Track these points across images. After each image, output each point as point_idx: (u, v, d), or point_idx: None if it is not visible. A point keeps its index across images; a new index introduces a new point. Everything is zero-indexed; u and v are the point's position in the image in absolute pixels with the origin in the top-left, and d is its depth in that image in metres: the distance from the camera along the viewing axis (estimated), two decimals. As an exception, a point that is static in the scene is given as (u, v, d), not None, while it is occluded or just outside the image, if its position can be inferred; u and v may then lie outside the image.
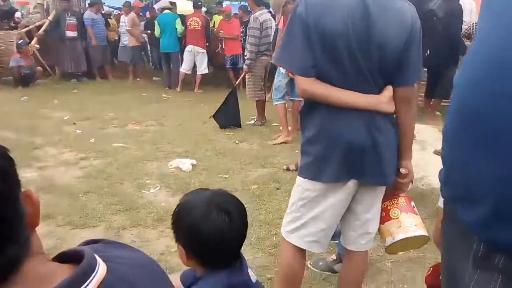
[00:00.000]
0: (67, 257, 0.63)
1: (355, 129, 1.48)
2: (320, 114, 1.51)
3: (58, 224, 2.81)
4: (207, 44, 8.57)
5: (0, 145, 0.58)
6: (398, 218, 1.60)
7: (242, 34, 8.42)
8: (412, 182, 3.03)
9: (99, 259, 0.62)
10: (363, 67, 1.43)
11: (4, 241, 0.53)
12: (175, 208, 1.24)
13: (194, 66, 8.48)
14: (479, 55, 0.81)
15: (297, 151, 4.51)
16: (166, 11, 8.66)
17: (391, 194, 1.65)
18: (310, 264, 2.40)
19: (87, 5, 9.93)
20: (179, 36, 8.43)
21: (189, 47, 8.23)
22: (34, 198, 0.61)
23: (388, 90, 1.49)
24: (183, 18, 8.49)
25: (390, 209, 1.63)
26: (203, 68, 8.41)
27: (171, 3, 9.07)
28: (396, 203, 1.63)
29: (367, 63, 1.42)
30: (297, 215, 1.64)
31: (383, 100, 1.48)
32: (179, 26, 8.29)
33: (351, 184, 1.54)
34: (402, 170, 1.59)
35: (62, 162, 4.09)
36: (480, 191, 0.80)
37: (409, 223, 1.59)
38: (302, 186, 1.61)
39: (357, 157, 1.49)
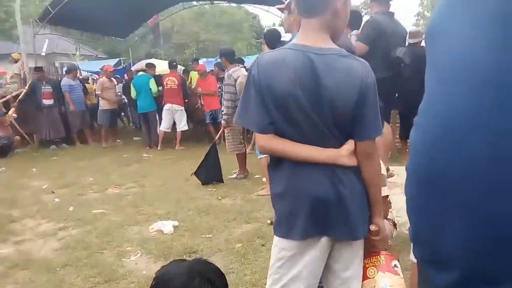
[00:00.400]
0: None
1: (318, 183, 1.48)
2: (285, 169, 1.52)
3: (34, 304, 2.67)
4: (186, 101, 8.77)
5: None
6: (374, 277, 1.56)
7: (219, 90, 8.63)
8: (396, 229, 3.02)
9: None
10: (319, 124, 1.45)
11: None
12: (152, 282, 1.19)
13: (174, 124, 8.57)
14: (430, 119, 0.83)
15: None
16: (140, 73, 8.93)
17: (372, 252, 1.61)
18: None
19: (64, 72, 10.09)
20: (154, 96, 8.60)
21: (167, 106, 8.39)
22: None
23: (349, 144, 1.50)
24: (160, 78, 8.70)
25: (368, 267, 1.58)
26: (182, 125, 8.53)
27: (148, 64, 9.31)
28: (375, 261, 1.58)
29: (322, 120, 1.45)
30: (276, 277, 1.59)
31: (343, 154, 1.48)
32: (153, 86, 8.52)
33: (324, 240, 1.51)
34: (372, 227, 1.55)
35: (40, 234, 3.95)
36: (448, 255, 0.79)
37: (384, 284, 1.54)
38: (277, 246, 1.58)
39: (322, 211, 1.48)
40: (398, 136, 6.01)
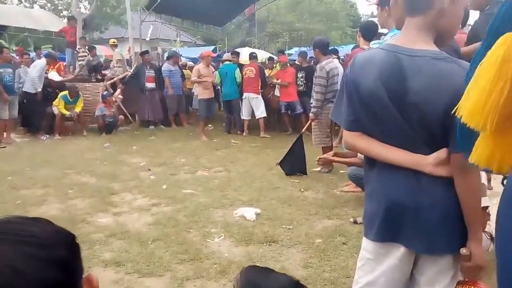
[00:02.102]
0: None
1: (398, 188, 1.42)
2: (375, 170, 1.50)
3: (127, 272, 2.92)
4: (262, 90, 8.99)
5: (67, 233, 0.62)
6: None
7: (303, 79, 8.74)
8: (493, 243, 2.77)
9: None
10: (405, 126, 1.38)
11: None
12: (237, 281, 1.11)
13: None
14: None
15: (365, 201, 4.34)
16: (227, 62, 9.22)
17: (466, 281, 1.44)
18: None
19: (165, 59, 10.76)
20: (238, 84, 8.92)
21: (244, 95, 8.72)
22: (94, 282, 0.64)
23: (440, 152, 1.37)
24: (242, 67, 9.02)
25: None
26: (260, 112, 8.75)
27: (233, 52, 9.64)
28: None
29: (409, 122, 1.37)
30: (356, 277, 1.59)
31: (429, 161, 1.37)
32: (238, 76, 8.80)
33: (403, 250, 1.44)
34: (462, 251, 1.39)
35: (136, 208, 4.31)
36: None
37: None
38: (363, 245, 1.59)
39: (396, 217, 1.42)
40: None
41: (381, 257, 1.49)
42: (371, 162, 1.52)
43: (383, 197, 1.46)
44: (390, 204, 1.43)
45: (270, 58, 11.22)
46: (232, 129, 9.20)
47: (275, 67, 10.18)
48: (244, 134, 8.78)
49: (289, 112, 9.02)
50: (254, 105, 8.72)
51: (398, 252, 1.46)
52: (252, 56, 9.20)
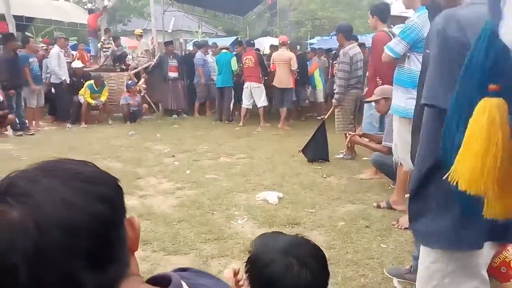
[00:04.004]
0: (157, 281, 0.69)
1: None
2: None
3: (154, 250, 3.01)
4: (266, 78, 8.91)
5: (112, 176, 0.66)
6: None
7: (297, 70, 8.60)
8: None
9: (184, 284, 0.68)
10: None
11: (107, 261, 0.59)
12: (250, 255, 1.18)
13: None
14: None
15: (389, 188, 4.32)
16: (224, 50, 9.22)
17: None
18: (385, 271, 2.67)
19: (187, 48, 10.83)
20: (234, 73, 8.94)
21: (246, 84, 8.66)
22: (135, 224, 0.68)
23: None
24: (240, 57, 8.98)
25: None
26: (261, 101, 8.66)
27: (239, 42, 9.68)
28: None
29: None
30: None
31: None
32: (234, 64, 8.83)
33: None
34: None
35: (161, 192, 4.40)
36: None
37: None
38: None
39: None
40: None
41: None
42: None
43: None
44: None
45: (272, 46, 11.01)
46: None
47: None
48: (240, 123, 8.66)
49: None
50: (255, 95, 8.61)
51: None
52: (250, 44, 9.18)
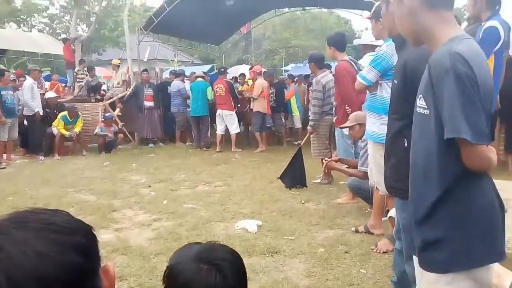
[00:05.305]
0: None
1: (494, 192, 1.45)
2: (486, 179, 1.44)
3: (130, 286, 2.91)
4: (239, 105, 9.19)
5: (86, 224, 0.65)
6: None
7: (273, 95, 9.06)
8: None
9: None
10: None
11: None
12: (165, 269, 1.16)
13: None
14: None
15: (366, 212, 4.36)
16: (199, 79, 9.29)
17: None
18: None
19: (163, 76, 10.85)
20: (210, 102, 9.06)
21: (218, 112, 8.87)
22: (110, 272, 0.66)
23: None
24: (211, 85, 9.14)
25: None
26: (234, 128, 8.93)
27: (221, 73, 9.56)
28: None
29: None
30: None
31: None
32: (209, 94, 8.97)
33: None
34: None
35: (137, 224, 4.30)
36: None
37: None
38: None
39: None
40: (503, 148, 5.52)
41: None
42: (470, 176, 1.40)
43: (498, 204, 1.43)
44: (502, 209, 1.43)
45: (241, 74, 11.32)
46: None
47: (247, 82, 10.25)
48: (217, 149, 8.77)
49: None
50: (227, 122, 8.86)
51: None
52: (220, 72, 9.37)
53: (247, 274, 2.98)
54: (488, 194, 1.40)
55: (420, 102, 1.45)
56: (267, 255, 3.36)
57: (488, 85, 1.35)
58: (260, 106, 8.68)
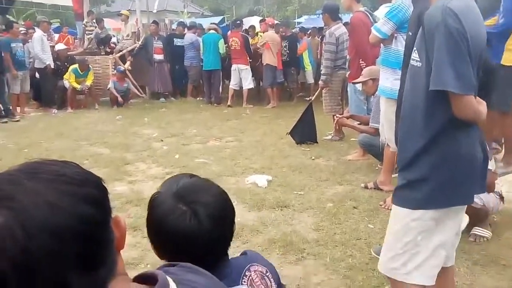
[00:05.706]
0: (144, 279, 0.70)
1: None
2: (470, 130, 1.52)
3: (144, 236, 3.01)
4: (250, 60, 8.89)
5: (96, 176, 0.65)
6: None
7: (286, 49, 8.88)
8: (503, 202, 2.81)
9: (171, 282, 0.68)
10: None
11: (96, 263, 0.59)
12: (151, 196, 1.12)
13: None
14: None
15: (376, 168, 4.37)
16: (211, 31, 9.01)
17: None
18: (372, 250, 2.68)
19: (173, 28, 10.62)
20: (222, 56, 8.83)
21: (233, 66, 8.69)
22: (121, 223, 0.67)
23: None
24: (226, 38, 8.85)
25: None
26: (247, 83, 8.78)
27: (236, 24, 9.26)
28: None
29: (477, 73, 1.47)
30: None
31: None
32: (221, 47, 8.73)
33: None
34: None
35: (150, 176, 4.40)
36: None
37: None
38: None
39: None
40: None
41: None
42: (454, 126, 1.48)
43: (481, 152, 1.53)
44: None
45: (251, 27, 10.76)
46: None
47: (257, 35, 9.93)
48: (228, 103, 8.70)
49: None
50: (243, 76, 8.71)
51: None
52: (236, 24, 8.99)
53: (257, 227, 3.03)
54: (473, 141, 1.49)
55: (414, 55, 1.50)
56: (277, 209, 3.43)
57: (480, 41, 1.40)
58: (268, 59, 8.49)
